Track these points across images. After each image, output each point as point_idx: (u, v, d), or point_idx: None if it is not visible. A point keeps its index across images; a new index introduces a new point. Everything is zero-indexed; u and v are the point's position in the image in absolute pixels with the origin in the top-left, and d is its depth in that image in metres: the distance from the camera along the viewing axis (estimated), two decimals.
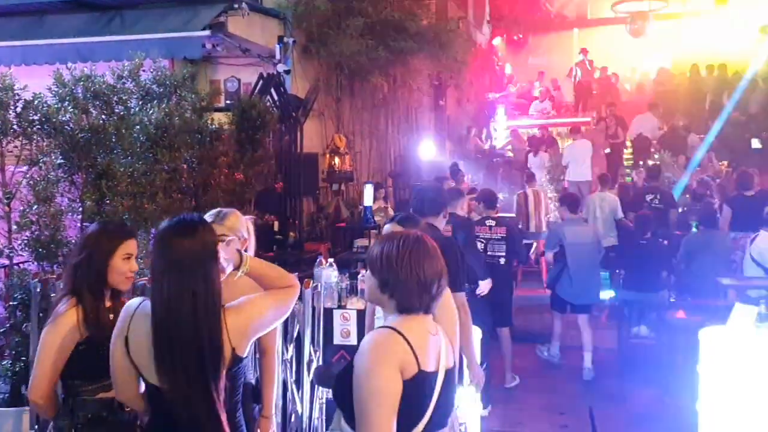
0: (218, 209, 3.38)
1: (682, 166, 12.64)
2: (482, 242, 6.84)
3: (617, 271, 8.27)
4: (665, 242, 8.17)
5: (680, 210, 10.36)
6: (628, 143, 15.51)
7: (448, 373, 2.38)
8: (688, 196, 10.98)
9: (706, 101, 16.30)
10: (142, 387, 2.51)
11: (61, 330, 2.83)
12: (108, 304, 2.95)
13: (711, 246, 7.70)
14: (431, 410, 2.30)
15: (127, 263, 2.96)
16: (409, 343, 2.25)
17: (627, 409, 6.30)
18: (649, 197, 9.94)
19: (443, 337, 2.43)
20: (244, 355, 2.46)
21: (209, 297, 2.37)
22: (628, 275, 7.77)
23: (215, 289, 2.40)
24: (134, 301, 2.54)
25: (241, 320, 2.42)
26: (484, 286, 5.96)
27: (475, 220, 7.09)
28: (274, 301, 2.54)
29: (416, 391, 2.23)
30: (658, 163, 13.38)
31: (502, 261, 6.91)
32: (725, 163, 13.84)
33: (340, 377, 2.38)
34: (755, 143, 14.28)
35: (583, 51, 19.77)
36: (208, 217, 3.17)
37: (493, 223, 6.95)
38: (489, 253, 6.84)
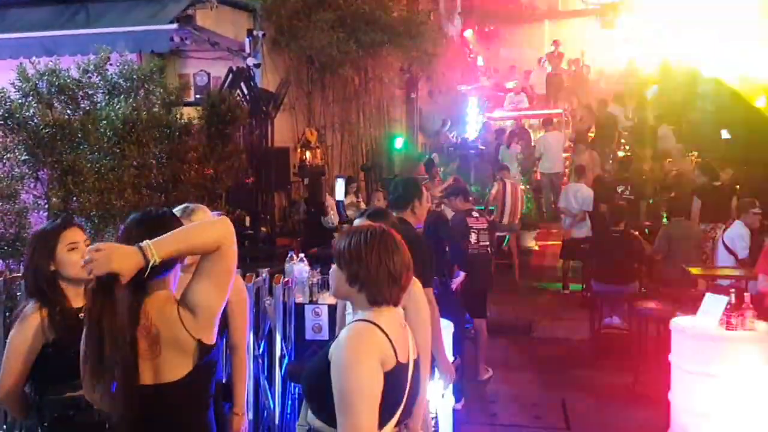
0: (185, 204, 3.33)
1: (649, 157, 12.76)
2: (475, 233, 6.83)
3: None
4: (636, 233, 8.25)
5: (650, 201, 10.46)
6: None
7: (416, 363, 2.43)
8: (657, 187, 11.07)
9: (678, 93, 16.48)
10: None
11: (25, 333, 2.79)
12: (81, 302, 2.88)
13: (686, 236, 7.81)
14: (405, 400, 2.34)
15: (75, 253, 2.85)
16: (387, 336, 2.28)
17: (599, 399, 6.33)
18: (620, 189, 10.03)
19: (407, 327, 2.48)
20: (213, 343, 2.41)
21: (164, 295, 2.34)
22: (601, 267, 7.82)
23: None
24: None
25: (195, 314, 2.35)
26: (458, 280, 5.95)
27: (464, 212, 7.04)
28: (210, 280, 2.33)
29: (395, 383, 2.26)
30: (629, 154, 13.49)
31: (488, 251, 6.97)
32: (695, 154, 13.98)
33: (311, 370, 2.38)
34: (724, 134, 14.43)
35: (555, 43, 19.84)
36: (175, 212, 3.11)
37: (477, 214, 6.98)
38: (481, 243, 6.84)
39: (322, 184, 9.65)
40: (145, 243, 2.19)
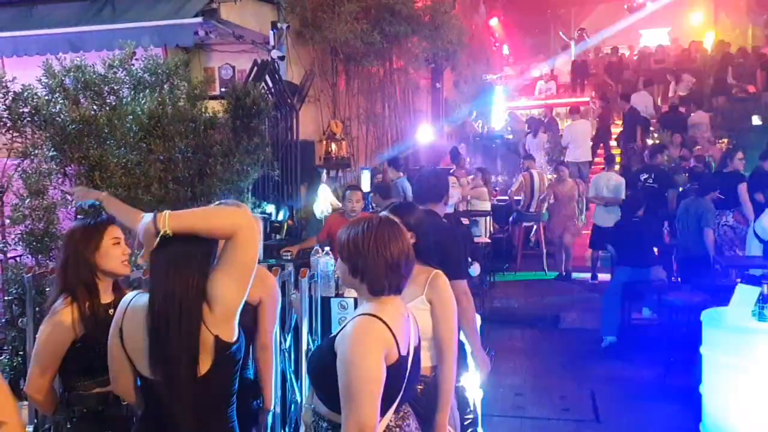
0: (222, 201, 3.34)
1: (678, 144, 12.58)
2: None
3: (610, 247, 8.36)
4: (665, 223, 8.18)
5: (680, 189, 10.29)
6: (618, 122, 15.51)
7: (416, 351, 2.50)
8: (686, 175, 10.90)
9: (709, 78, 16.25)
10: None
11: (55, 329, 2.81)
12: (110, 298, 2.91)
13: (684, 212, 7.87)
14: (403, 389, 2.44)
15: (118, 247, 2.94)
16: (391, 330, 2.34)
17: (629, 392, 6.27)
18: (643, 176, 9.93)
19: (411, 315, 2.53)
20: (233, 340, 2.40)
21: (193, 291, 2.32)
22: (621, 252, 7.79)
23: (200, 283, 2.35)
24: (129, 295, 2.52)
25: (211, 308, 2.34)
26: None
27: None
28: (228, 273, 2.33)
29: (395, 374, 2.35)
30: (657, 142, 13.31)
31: None
32: (725, 140, 13.77)
33: (317, 359, 2.47)
34: (755, 120, 14.21)
35: (581, 30, 19.67)
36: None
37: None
38: None
39: (319, 174, 9.69)
40: (163, 212, 2.25)
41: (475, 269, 5.23)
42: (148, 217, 2.28)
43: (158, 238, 2.26)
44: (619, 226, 8.18)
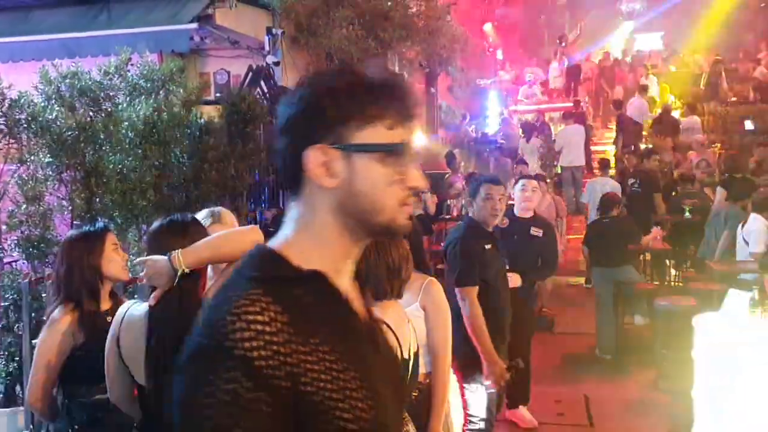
0: (210, 209, 3.34)
1: (669, 148, 12.63)
2: None
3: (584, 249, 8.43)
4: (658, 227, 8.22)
5: (673, 194, 10.32)
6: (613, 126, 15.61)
7: (415, 356, 2.57)
8: (678, 179, 10.93)
9: (701, 83, 16.34)
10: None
11: (56, 336, 2.82)
12: (107, 305, 2.93)
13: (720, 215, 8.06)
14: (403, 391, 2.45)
15: (118, 253, 2.99)
16: (394, 333, 2.35)
17: (622, 396, 6.29)
18: (630, 181, 10.01)
19: (410, 321, 2.62)
20: None
21: (196, 298, 2.34)
22: (593, 252, 7.87)
23: (198, 293, 2.37)
24: (125, 305, 2.54)
25: None
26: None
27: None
28: None
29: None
30: (650, 146, 13.37)
31: None
32: (718, 145, 13.84)
33: None
34: (748, 124, 14.28)
35: (562, 38, 19.80)
36: (202, 215, 3.12)
37: None
38: None
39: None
40: (175, 252, 2.29)
41: (513, 280, 4.90)
42: (160, 260, 2.32)
43: (177, 278, 2.30)
44: (590, 226, 8.26)
